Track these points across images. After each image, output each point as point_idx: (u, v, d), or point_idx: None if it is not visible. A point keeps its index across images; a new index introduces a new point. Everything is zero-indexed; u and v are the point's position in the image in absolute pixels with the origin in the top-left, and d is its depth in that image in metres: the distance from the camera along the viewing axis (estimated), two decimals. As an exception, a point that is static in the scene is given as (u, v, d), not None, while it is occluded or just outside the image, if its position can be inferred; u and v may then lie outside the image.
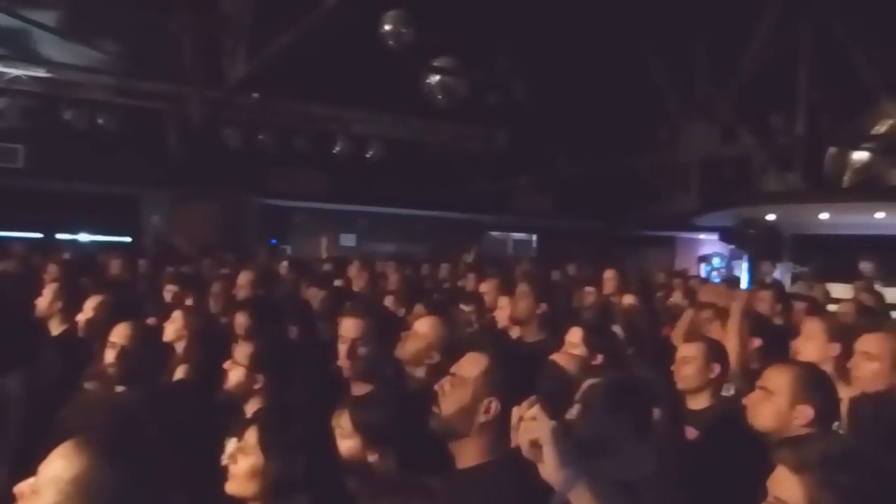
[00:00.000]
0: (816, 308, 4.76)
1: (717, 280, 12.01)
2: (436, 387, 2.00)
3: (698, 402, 2.94)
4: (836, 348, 3.13)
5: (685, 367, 2.98)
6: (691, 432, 2.85)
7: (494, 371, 1.94)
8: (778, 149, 12.39)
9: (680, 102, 14.69)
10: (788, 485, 1.34)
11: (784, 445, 1.43)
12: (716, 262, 15.53)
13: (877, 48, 11.00)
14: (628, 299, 4.95)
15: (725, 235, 13.48)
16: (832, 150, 11.65)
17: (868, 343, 2.85)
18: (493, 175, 14.75)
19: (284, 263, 7.21)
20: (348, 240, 15.07)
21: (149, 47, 11.38)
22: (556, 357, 3.27)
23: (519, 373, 2.04)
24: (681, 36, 12.36)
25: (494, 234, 17.26)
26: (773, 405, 2.30)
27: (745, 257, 13.46)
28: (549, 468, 1.44)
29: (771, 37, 12.13)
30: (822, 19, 11.35)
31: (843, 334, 3.18)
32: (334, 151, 13.83)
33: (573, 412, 2.00)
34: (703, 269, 15.15)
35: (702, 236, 16.15)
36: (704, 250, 16.36)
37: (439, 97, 7.21)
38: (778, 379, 2.34)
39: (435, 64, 7.27)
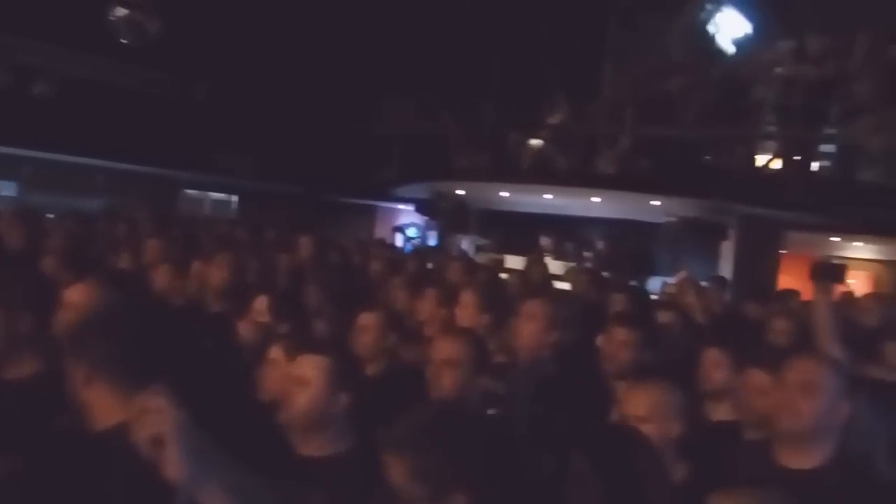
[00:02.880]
0: (472, 280, 5.18)
1: (410, 249, 12.67)
2: None
3: (372, 369, 2.98)
4: (486, 318, 3.43)
5: (362, 335, 3.01)
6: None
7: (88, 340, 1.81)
8: (470, 130, 13.38)
9: (385, 77, 15.03)
10: (394, 467, 1.51)
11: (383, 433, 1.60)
12: (411, 232, 16.36)
13: (555, 48, 12.40)
14: (324, 264, 4.92)
15: (421, 207, 14.27)
16: (515, 135, 12.94)
17: (529, 307, 3.18)
18: (190, 129, 13.66)
19: None
20: (7, 188, 12.86)
21: None
22: (241, 325, 3.10)
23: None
24: (390, 13, 12.63)
25: (191, 192, 16.10)
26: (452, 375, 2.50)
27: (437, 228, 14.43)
28: (173, 467, 1.27)
29: (468, 25, 12.96)
30: (510, 19, 12.44)
31: (493, 305, 3.51)
32: (-10, 83, 11.61)
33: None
34: (399, 239, 15.85)
35: (400, 207, 16.87)
36: (402, 220, 17.13)
37: (125, 35, 6.35)
38: (452, 350, 2.55)
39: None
